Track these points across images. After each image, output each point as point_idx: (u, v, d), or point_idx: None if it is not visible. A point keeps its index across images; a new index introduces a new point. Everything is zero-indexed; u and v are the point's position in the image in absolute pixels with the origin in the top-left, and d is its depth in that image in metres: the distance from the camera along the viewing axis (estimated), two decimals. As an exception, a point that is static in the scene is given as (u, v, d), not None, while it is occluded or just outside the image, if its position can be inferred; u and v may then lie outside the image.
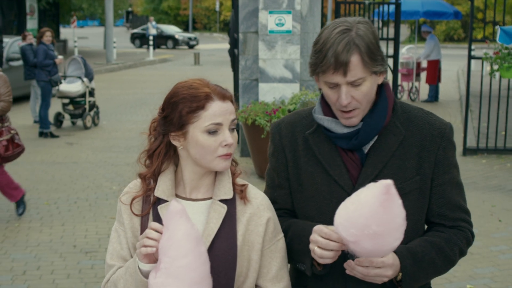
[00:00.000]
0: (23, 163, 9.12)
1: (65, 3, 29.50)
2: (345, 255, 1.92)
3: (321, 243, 1.87)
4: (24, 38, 11.90)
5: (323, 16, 10.18)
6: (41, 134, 11.10)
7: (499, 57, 8.80)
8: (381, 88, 2.04)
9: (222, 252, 1.93)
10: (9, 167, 8.78)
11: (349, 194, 1.93)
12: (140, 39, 38.20)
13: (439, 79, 15.31)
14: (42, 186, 7.93)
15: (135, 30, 40.73)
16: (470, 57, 9.48)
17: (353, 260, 1.89)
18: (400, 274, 1.93)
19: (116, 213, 2.07)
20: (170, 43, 38.64)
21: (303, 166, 2.09)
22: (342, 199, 1.92)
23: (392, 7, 10.18)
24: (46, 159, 9.47)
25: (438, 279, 5.18)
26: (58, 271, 5.33)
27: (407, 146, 2.03)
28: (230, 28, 11.49)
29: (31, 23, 25.84)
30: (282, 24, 8.68)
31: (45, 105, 11.13)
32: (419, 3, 15.80)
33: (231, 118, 1.95)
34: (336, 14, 9.18)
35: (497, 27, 8.71)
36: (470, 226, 2.11)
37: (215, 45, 40.15)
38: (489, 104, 9.67)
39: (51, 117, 11.97)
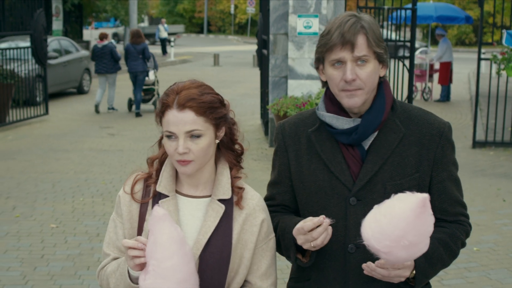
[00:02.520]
0: (74, 150, 10.13)
1: (88, 5, 30.54)
2: (345, 248, 2.09)
3: (303, 239, 1.98)
4: (105, 37, 13.94)
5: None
6: (137, 115, 13.63)
7: (505, 58, 9.69)
8: (380, 85, 2.12)
9: (218, 249, 2.02)
10: (61, 154, 9.79)
11: (349, 190, 2.08)
12: None
13: (450, 80, 16.07)
14: (95, 169, 8.90)
15: None
16: (480, 59, 10.37)
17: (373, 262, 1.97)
18: (413, 272, 2.02)
19: (115, 204, 2.17)
20: None
21: (305, 164, 2.16)
22: (343, 195, 2.08)
23: (408, 12, 11.02)
24: (94, 147, 10.45)
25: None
26: (127, 234, 6.27)
27: (407, 144, 2.09)
28: (258, 31, 12.47)
29: (56, 24, 26.81)
30: (310, 27, 9.61)
31: (140, 90, 13.72)
32: (433, 8, 16.60)
33: (185, 129, 1.96)
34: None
35: (504, 30, 9.58)
36: (468, 219, 2.21)
37: (231, 47, 41.11)
38: (497, 103, 10.58)
39: (125, 103, 14.80)
